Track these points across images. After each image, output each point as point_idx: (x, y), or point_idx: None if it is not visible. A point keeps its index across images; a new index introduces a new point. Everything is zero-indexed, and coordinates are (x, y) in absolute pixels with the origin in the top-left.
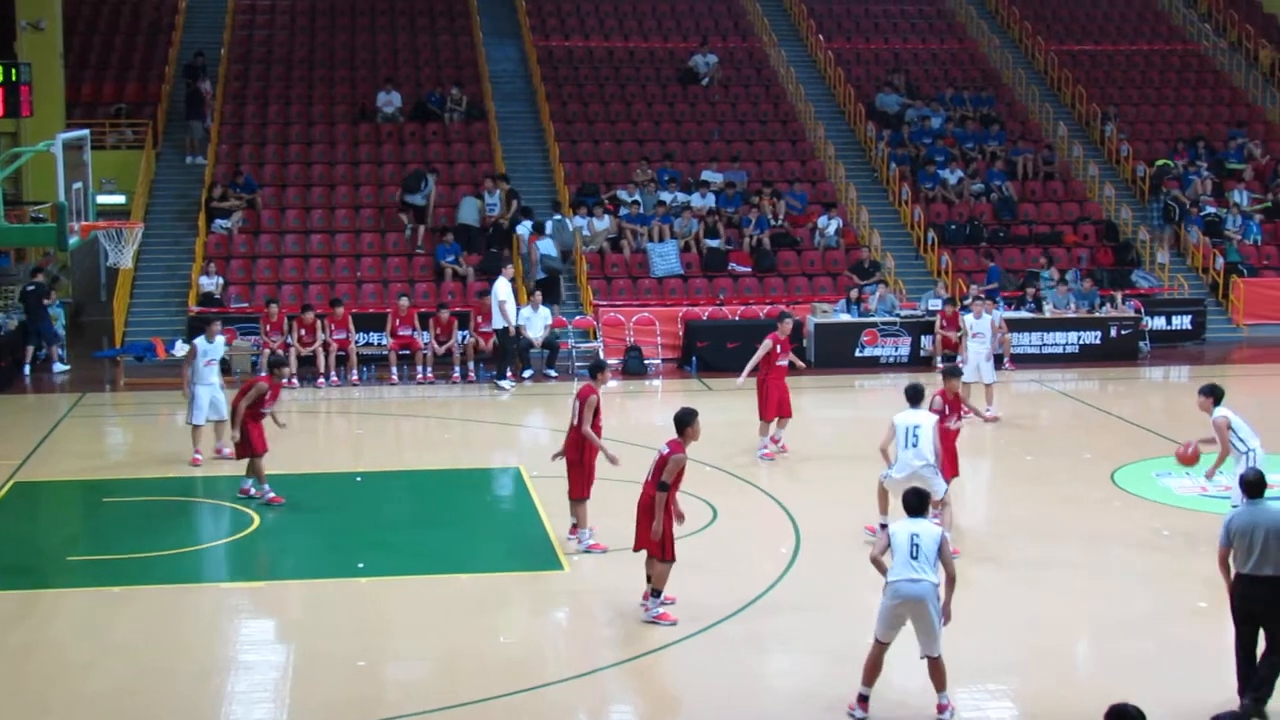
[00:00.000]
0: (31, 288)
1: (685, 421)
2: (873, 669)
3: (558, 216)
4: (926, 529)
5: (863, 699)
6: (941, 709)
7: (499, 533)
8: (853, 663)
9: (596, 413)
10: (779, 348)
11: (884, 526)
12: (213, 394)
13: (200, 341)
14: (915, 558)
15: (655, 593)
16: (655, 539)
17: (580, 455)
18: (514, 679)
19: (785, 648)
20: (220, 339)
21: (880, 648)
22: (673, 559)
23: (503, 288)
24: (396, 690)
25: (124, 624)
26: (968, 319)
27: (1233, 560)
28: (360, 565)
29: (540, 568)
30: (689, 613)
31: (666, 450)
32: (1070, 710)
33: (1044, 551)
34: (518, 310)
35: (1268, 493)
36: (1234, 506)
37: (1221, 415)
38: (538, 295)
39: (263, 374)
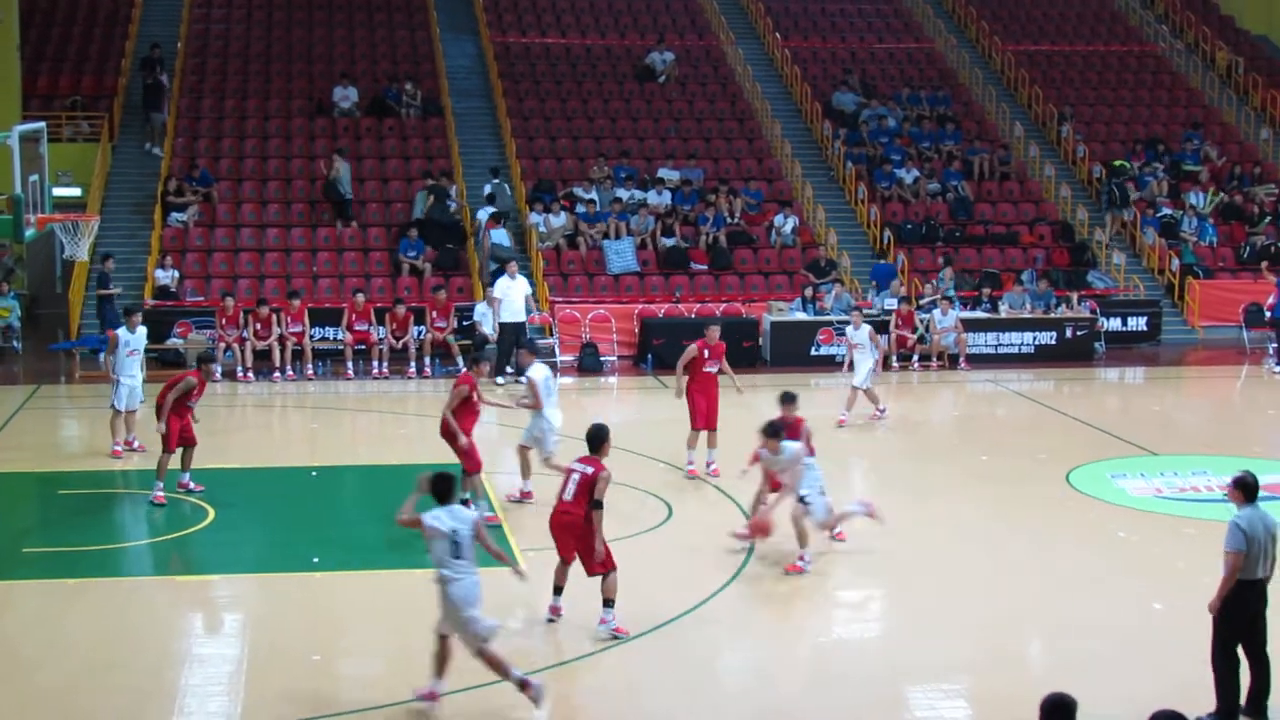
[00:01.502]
0: None
1: (601, 438)
2: (441, 660)
3: (496, 180)
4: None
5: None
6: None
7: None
8: (806, 660)
9: (468, 402)
10: (706, 353)
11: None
12: (132, 385)
13: (122, 331)
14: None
15: (608, 603)
16: (599, 560)
17: (455, 438)
18: (462, 677)
19: (733, 648)
20: (142, 330)
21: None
22: (615, 566)
23: (500, 285)
24: (351, 685)
25: (76, 617)
26: (848, 330)
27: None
28: (315, 560)
29: (495, 563)
30: (643, 613)
31: (590, 470)
32: (1025, 711)
33: (998, 552)
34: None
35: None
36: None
37: None
38: (512, 264)
39: (191, 368)
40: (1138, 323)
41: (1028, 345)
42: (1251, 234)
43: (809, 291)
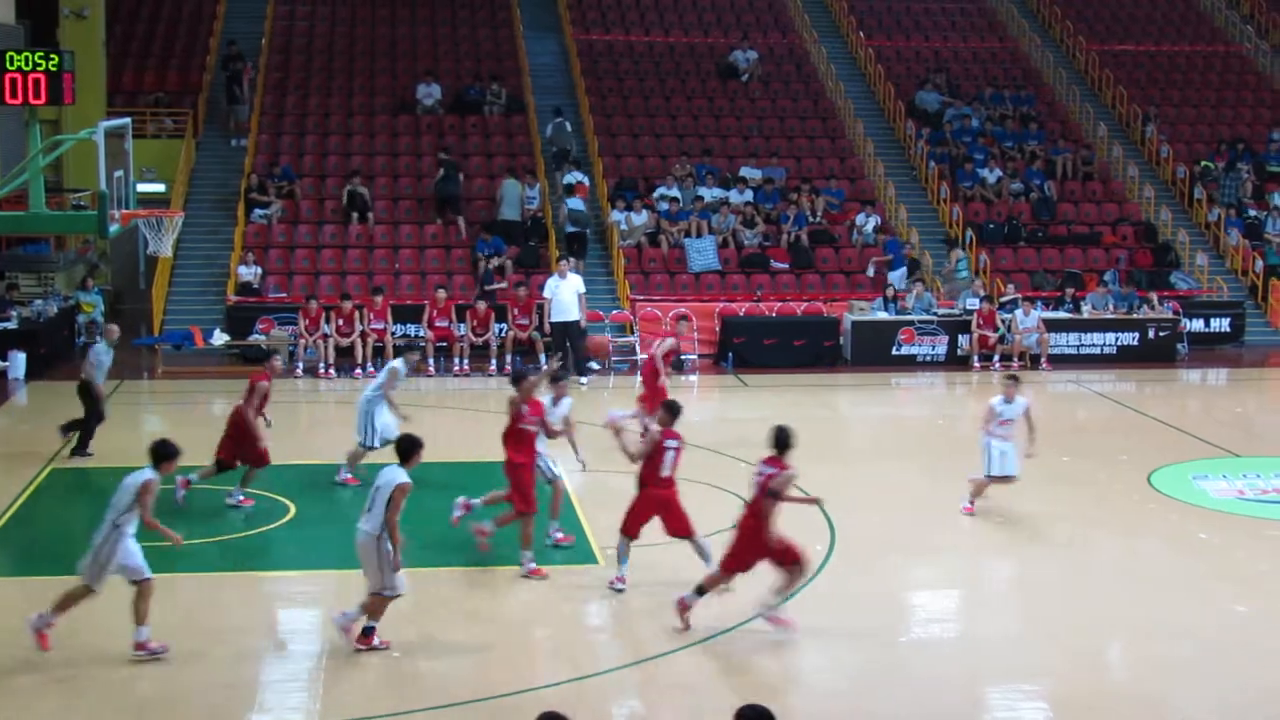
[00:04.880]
0: None
1: (786, 443)
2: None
3: (559, 119)
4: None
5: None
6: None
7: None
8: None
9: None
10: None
11: None
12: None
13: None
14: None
15: (700, 590)
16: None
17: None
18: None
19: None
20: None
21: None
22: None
23: (549, 285)
24: (430, 681)
25: (161, 610)
26: (995, 403)
27: None
28: None
29: (572, 562)
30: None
31: (772, 471)
32: (1107, 714)
33: (1078, 554)
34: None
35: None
36: None
37: None
38: (563, 264)
39: (259, 371)
40: (1220, 324)
41: (1110, 346)
42: None
43: (891, 291)
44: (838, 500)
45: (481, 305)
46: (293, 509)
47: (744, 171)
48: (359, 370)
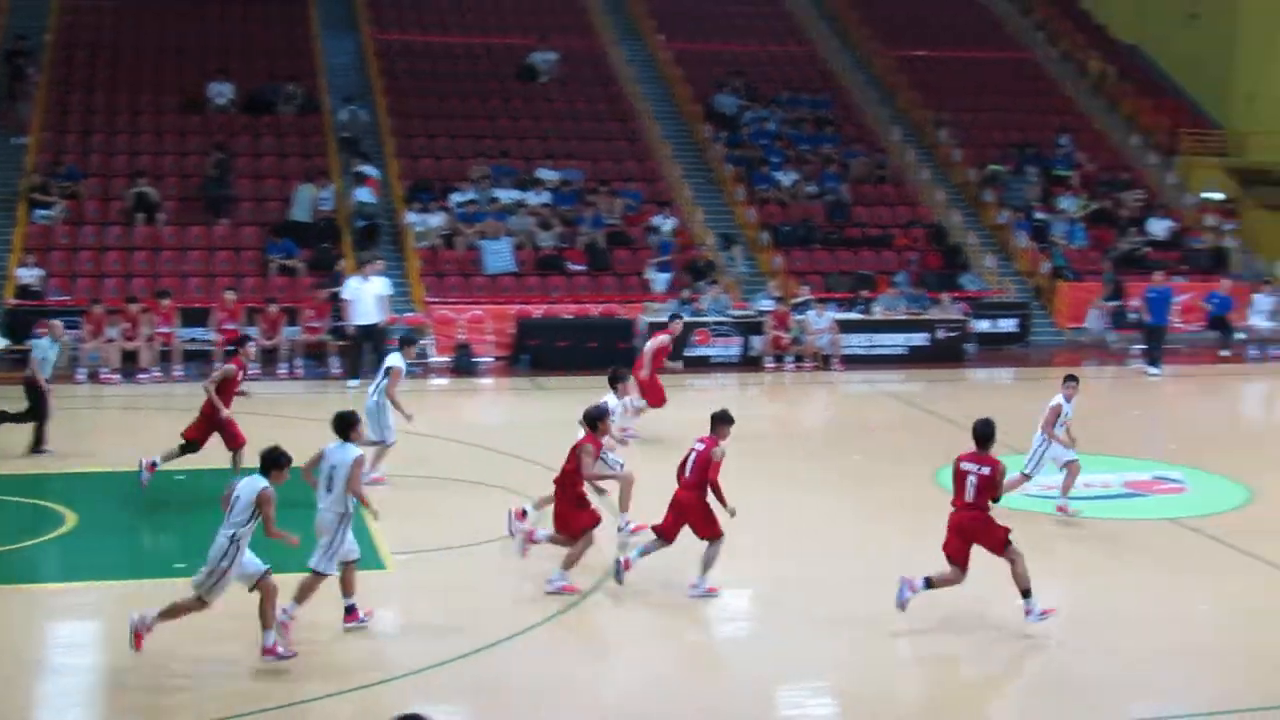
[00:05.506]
0: None
1: (723, 420)
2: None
3: (351, 106)
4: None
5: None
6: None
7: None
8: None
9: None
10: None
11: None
12: None
13: None
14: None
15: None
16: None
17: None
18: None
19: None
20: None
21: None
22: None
23: (350, 286)
24: (216, 693)
25: None
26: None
27: None
28: (178, 565)
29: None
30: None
31: (703, 447)
32: (889, 708)
33: (865, 550)
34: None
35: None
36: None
37: None
38: (369, 265)
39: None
40: (1008, 324)
41: (901, 346)
42: (1119, 237)
43: (686, 293)
44: (635, 504)
45: (273, 308)
46: (71, 518)
47: (541, 173)
48: (143, 374)
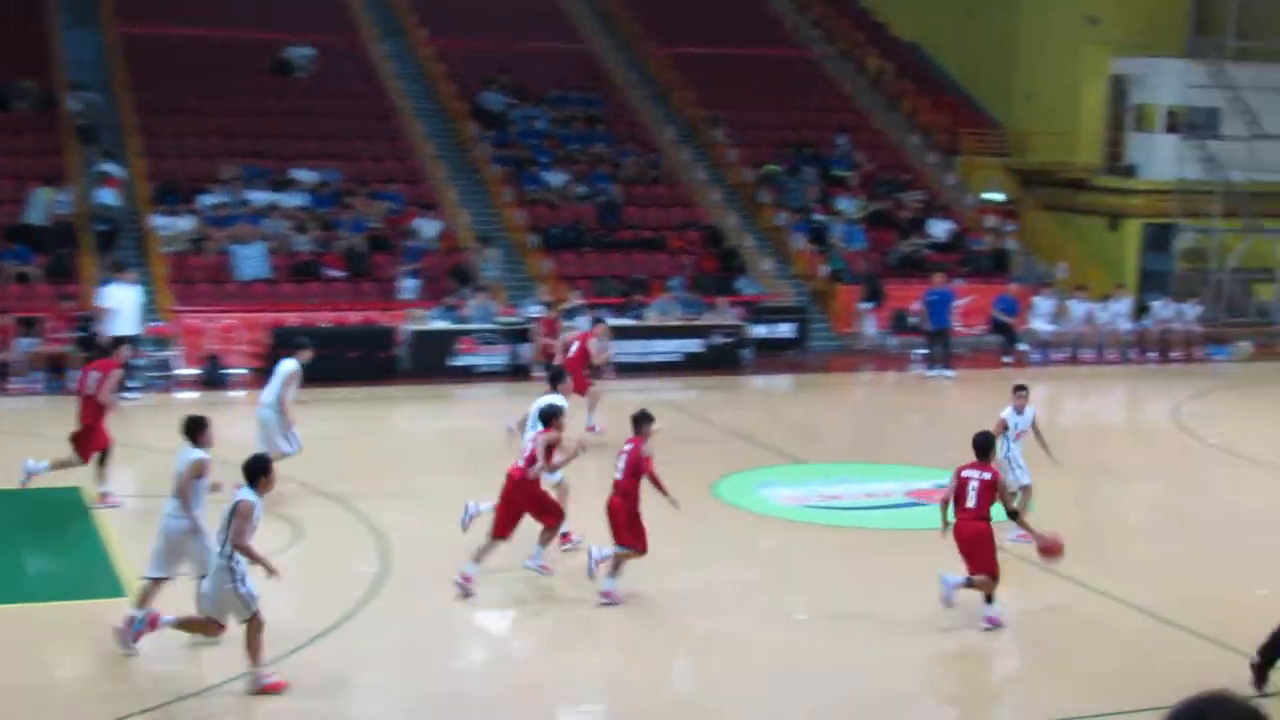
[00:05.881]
0: None
1: (645, 419)
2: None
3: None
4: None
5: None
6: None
7: (54, 559)
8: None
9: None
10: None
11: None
12: None
13: None
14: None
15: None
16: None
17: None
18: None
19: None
20: None
21: None
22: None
23: (109, 293)
24: None
25: None
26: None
27: None
28: None
29: (98, 595)
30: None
31: (630, 448)
32: None
33: (638, 565)
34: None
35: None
36: None
37: None
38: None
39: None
40: (785, 330)
41: (675, 353)
42: (899, 239)
43: (450, 299)
44: (399, 521)
45: (6, 318)
46: None
47: (297, 174)
48: None
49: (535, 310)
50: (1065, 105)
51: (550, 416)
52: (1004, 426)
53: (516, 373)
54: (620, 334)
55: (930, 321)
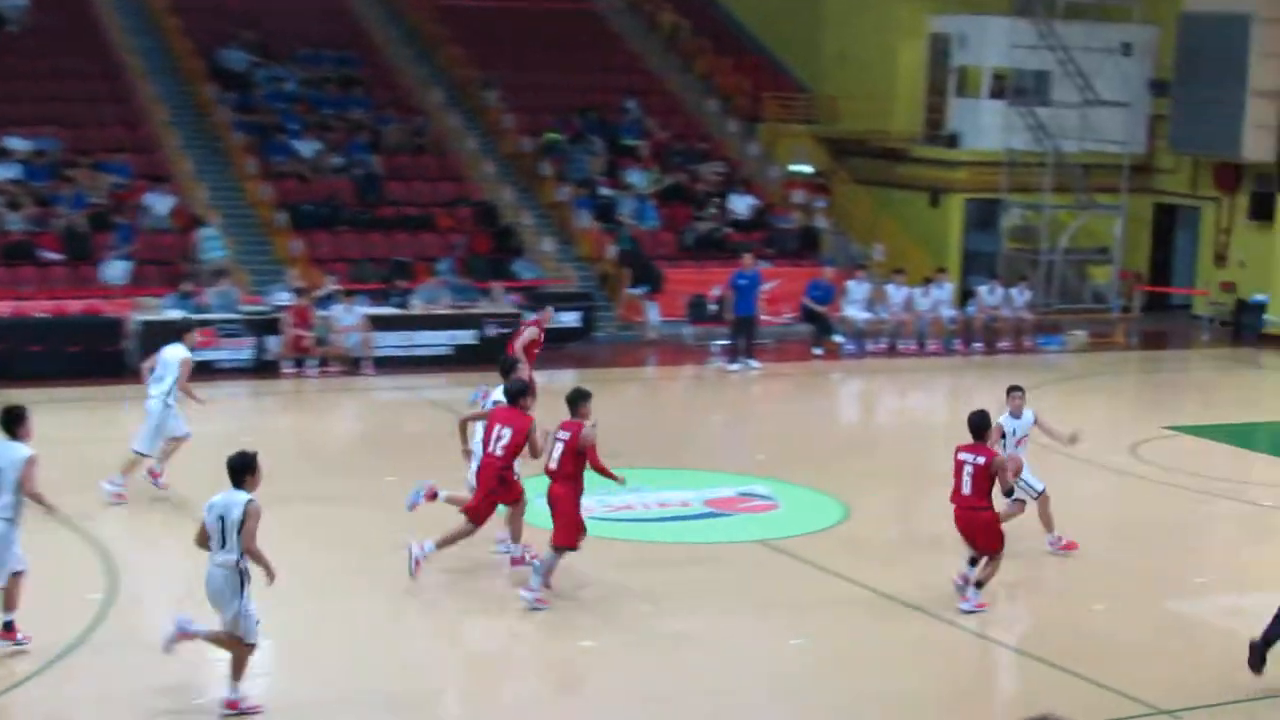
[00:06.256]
0: None
1: (581, 398)
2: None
3: None
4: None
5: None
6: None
7: None
8: None
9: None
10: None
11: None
12: None
13: None
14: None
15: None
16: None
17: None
18: None
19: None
20: None
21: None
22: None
23: None
24: None
25: None
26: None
27: None
28: None
29: None
30: None
31: (568, 435)
32: None
33: (402, 582)
34: None
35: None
36: None
37: None
38: None
39: None
40: (570, 318)
41: (444, 346)
42: (697, 218)
43: (186, 284)
44: (128, 540)
45: None
46: None
47: (8, 142)
48: None
49: (284, 298)
50: (880, 68)
51: (517, 395)
52: (1001, 433)
53: (263, 369)
54: (381, 325)
55: (737, 308)
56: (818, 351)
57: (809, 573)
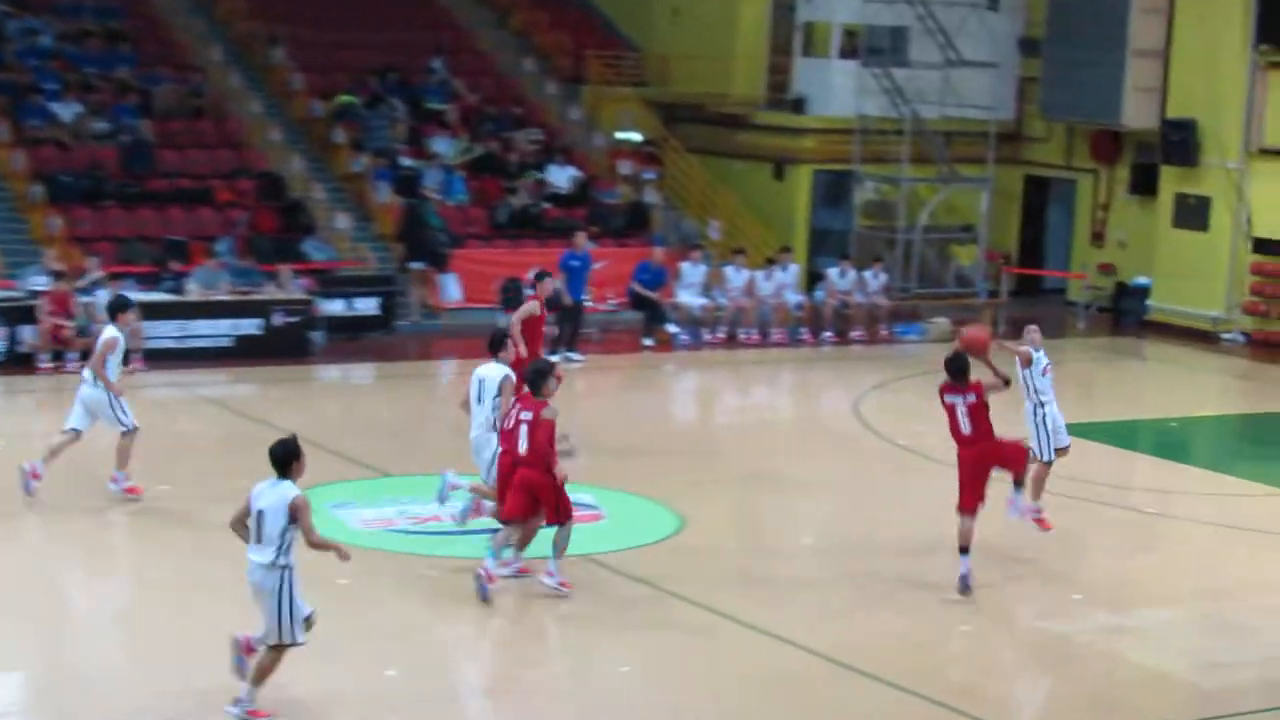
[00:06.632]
0: None
1: (542, 374)
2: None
3: None
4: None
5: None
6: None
7: None
8: None
9: None
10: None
11: None
12: None
13: None
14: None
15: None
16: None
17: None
18: None
19: None
20: None
21: None
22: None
23: None
24: None
25: None
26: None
27: None
28: None
29: None
30: None
31: (531, 415)
32: None
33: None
34: None
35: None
36: None
37: None
38: None
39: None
40: (367, 305)
41: (225, 337)
42: (510, 192)
43: None
44: None
45: None
46: None
47: None
48: None
49: (41, 283)
50: (718, 24)
51: (540, 377)
52: (1029, 360)
53: (16, 363)
54: (152, 313)
55: (569, 293)
56: (648, 342)
57: (639, 591)
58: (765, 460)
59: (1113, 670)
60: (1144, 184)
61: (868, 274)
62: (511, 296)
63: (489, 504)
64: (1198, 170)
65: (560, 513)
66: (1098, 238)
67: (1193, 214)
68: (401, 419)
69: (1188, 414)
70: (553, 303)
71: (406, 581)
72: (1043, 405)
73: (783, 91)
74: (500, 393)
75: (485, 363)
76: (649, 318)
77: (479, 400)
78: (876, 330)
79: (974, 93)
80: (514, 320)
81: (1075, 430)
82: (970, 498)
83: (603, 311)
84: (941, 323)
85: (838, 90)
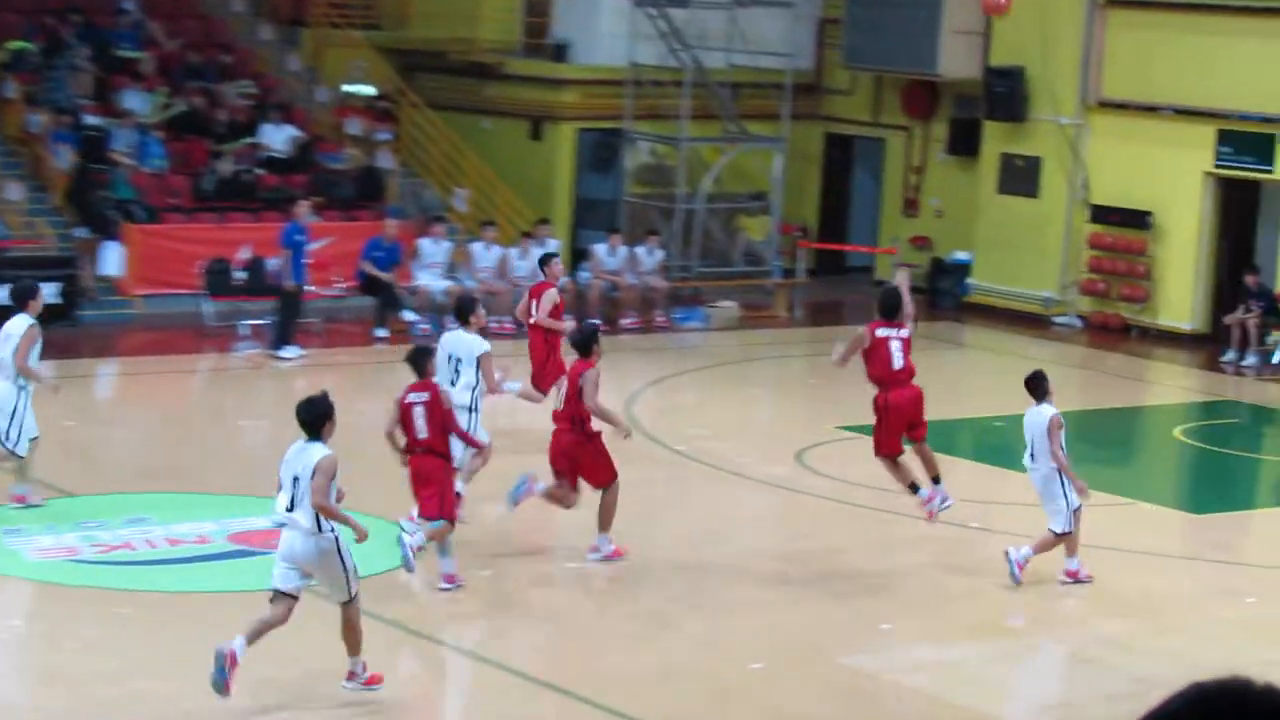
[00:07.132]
0: None
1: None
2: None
3: None
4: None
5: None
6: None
7: None
8: None
9: None
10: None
11: None
12: None
13: None
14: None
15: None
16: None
17: None
18: None
19: None
20: None
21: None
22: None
23: None
24: None
25: None
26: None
27: None
28: None
29: None
30: None
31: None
32: None
33: None
34: None
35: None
36: None
37: None
38: None
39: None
40: (45, 292)
41: None
42: (216, 153)
43: None
44: None
45: None
46: None
47: None
48: None
49: None
50: None
51: (587, 343)
52: (1060, 424)
53: None
54: None
55: (292, 274)
56: (381, 333)
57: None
58: (524, 467)
59: (929, 715)
60: (964, 143)
61: (641, 250)
62: (218, 281)
63: (539, 486)
64: (1026, 127)
65: (605, 473)
66: (911, 205)
67: (1021, 178)
68: (87, 427)
69: (1015, 412)
70: (269, 286)
71: (97, 622)
72: None
73: (541, 36)
74: (479, 368)
75: (453, 330)
76: (382, 304)
77: (444, 370)
78: (651, 316)
79: (765, 37)
80: (541, 316)
81: None
82: (896, 442)
83: (327, 297)
84: (728, 307)
85: (605, 35)
